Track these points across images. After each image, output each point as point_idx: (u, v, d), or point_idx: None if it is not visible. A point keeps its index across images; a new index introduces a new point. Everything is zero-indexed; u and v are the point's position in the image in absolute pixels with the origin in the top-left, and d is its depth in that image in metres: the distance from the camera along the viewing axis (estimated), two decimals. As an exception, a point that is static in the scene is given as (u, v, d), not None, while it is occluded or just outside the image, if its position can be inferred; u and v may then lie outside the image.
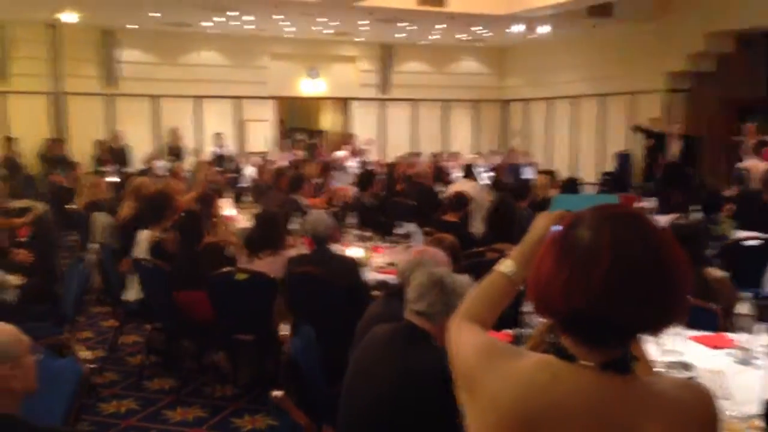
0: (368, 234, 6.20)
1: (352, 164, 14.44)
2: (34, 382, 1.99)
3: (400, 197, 8.87)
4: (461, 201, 6.45)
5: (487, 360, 1.40)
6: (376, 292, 4.23)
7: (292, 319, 3.60)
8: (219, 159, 14.46)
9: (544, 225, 1.65)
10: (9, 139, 13.38)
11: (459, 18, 12.90)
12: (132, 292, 5.52)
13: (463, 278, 2.75)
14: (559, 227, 1.38)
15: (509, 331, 3.26)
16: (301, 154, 15.38)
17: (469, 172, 9.92)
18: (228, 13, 12.45)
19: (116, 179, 10.84)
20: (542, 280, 1.33)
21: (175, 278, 4.94)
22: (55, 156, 13.36)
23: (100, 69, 14.54)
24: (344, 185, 10.35)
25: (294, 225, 6.07)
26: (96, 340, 6.09)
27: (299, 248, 5.48)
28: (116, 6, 11.74)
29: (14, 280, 5.34)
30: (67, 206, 8.71)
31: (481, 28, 14.43)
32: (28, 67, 13.70)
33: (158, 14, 12.59)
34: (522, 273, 1.62)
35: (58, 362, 2.61)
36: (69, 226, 8.99)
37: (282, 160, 13.93)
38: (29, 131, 13.68)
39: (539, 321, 3.25)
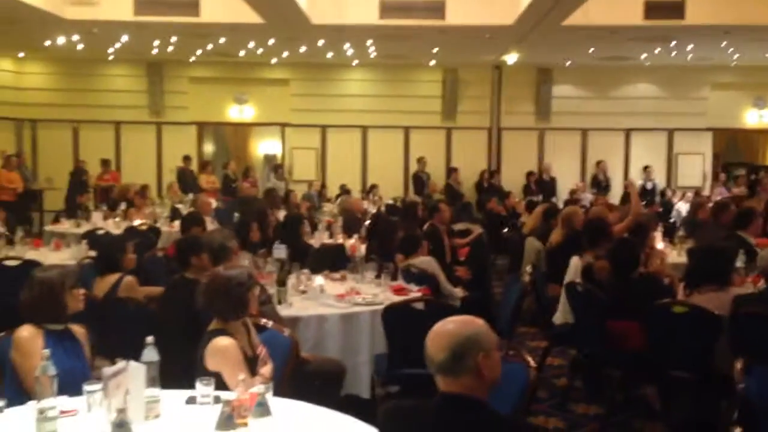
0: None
1: (806, 203, 12.66)
2: (499, 377, 2.14)
3: None
4: None
5: None
6: None
7: (742, 360, 3.27)
8: (645, 192, 14.08)
9: None
10: (451, 170, 15.02)
11: None
12: (560, 316, 5.63)
13: None
14: None
15: None
16: (739, 191, 14.09)
17: None
18: (671, 44, 12.05)
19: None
20: None
21: (607, 306, 4.89)
22: (489, 185, 14.54)
23: (534, 105, 15.40)
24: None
25: (739, 263, 5.55)
26: (523, 358, 6.33)
27: (745, 287, 5.01)
28: (556, 44, 12.28)
29: (459, 292, 5.94)
30: (502, 231, 9.32)
31: None
32: (473, 105, 15.27)
33: (593, 49, 12.79)
34: None
35: (508, 365, 2.77)
36: (500, 250, 9.62)
37: (716, 196, 12.93)
38: (469, 163, 15.18)
39: None
